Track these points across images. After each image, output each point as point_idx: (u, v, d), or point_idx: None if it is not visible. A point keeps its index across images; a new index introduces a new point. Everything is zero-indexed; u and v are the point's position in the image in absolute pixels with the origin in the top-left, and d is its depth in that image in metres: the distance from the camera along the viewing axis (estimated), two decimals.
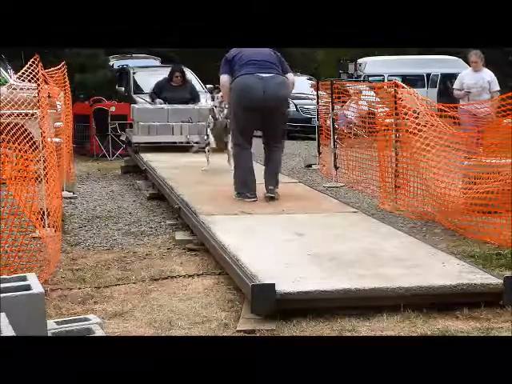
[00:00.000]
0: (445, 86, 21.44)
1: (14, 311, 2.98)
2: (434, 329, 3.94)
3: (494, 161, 6.44)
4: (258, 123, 6.73)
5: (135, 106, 11.79)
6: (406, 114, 7.01)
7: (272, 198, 6.69)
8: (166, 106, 10.69)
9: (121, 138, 12.44)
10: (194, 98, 11.24)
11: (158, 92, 11.12)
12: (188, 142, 10.14)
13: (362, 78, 20.64)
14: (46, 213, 5.59)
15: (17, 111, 6.32)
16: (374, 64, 21.82)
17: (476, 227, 6.12)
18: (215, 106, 8.51)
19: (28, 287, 3.28)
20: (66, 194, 8.02)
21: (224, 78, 6.75)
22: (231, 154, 8.11)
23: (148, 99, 14.75)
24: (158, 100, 11.00)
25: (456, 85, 10.09)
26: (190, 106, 10.86)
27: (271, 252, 5.00)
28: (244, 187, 6.71)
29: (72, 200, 8.11)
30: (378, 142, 8.43)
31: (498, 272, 4.91)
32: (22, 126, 6.00)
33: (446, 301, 4.23)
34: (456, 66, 22.00)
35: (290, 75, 6.84)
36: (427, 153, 6.59)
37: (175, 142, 10.34)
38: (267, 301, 4.04)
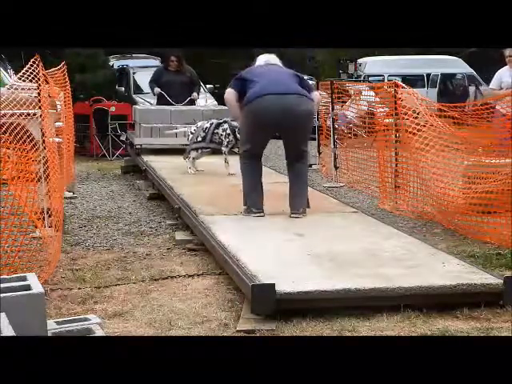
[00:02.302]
0: (445, 85, 21.47)
1: (14, 311, 2.98)
2: (434, 329, 3.94)
3: (493, 161, 6.45)
4: (270, 138, 6.30)
5: (137, 107, 11.59)
6: (405, 114, 7.01)
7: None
8: (169, 108, 10.46)
9: (121, 138, 12.44)
10: (193, 81, 11.01)
11: (157, 78, 10.94)
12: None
13: (362, 78, 20.65)
14: (45, 213, 5.59)
15: (18, 111, 6.32)
16: (373, 64, 21.83)
17: (476, 227, 6.12)
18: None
19: (28, 287, 3.28)
20: (66, 194, 8.02)
21: (229, 94, 6.13)
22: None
23: (148, 99, 14.86)
24: (156, 89, 10.82)
25: (493, 84, 9.70)
26: (194, 107, 10.66)
27: (271, 252, 5.00)
28: (251, 201, 6.20)
29: (72, 200, 8.11)
30: (377, 142, 8.44)
31: (498, 272, 4.91)
32: (24, 126, 6.00)
33: (446, 301, 4.23)
34: (456, 65, 22.06)
35: (315, 94, 6.36)
36: (426, 152, 6.59)
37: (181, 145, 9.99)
38: (267, 301, 4.04)
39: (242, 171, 6.35)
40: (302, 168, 6.31)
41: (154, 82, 11.00)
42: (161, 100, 10.93)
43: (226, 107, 11.20)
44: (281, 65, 6.41)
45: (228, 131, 8.19)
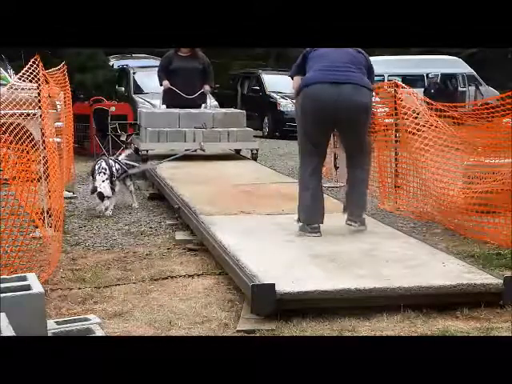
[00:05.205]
0: (445, 85, 21.47)
1: (14, 311, 2.98)
2: (434, 329, 3.94)
3: (493, 161, 6.45)
4: (328, 138, 5.60)
5: (143, 110, 10.89)
6: (405, 114, 7.01)
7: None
8: (177, 111, 9.73)
9: (121, 139, 12.41)
10: (205, 69, 10.14)
11: (167, 64, 10.12)
12: (202, 150, 9.24)
13: None
14: (45, 212, 5.59)
15: (18, 111, 6.33)
16: (373, 64, 21.79)
17: (476, 227, 6.12)
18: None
19: (28, 287, 3.28)
20: (66, 193, 8.01)
21: (296, 82, 5.56)
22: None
23: (148, 99, 14.84)
24: (164, 82, 9.99)
25: None
26: (204, 110, 10.10)
27: (271, 252, 5.00)
28: (305, 217, 5.48)
29: (72, 200, 8.11)
30: (377, 142, 8.43)
31: (497, 272, 4.91)
32: (24, 126, 6.00)
33: (446, 301, 4.23)
34: (456, 66, 22.05)
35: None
36: (426, 152, 6.60)
37: (188, 150, 9.29)
38: (267, 301, 4.04)
39: (299, 179, 5.69)
40: (360, 173, 5.63)
41: (163, 69, 10.13)
42: (168, 93, 10.11)
43: (236, 110, 11.01)
44: None
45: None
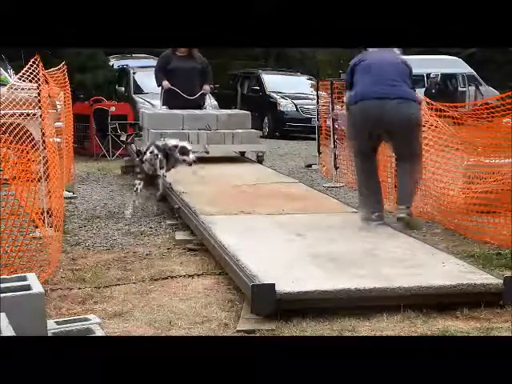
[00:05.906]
0: (445, 85, 21.46)
1: (14, 311, 2.98)
2: (434, 329, 3.94)
3: (493, 161, 6.45)
4: (378, 140, 5.81)
5: (146, 111, 10.59)
6: None
7: (400, 219, 5.70)
8: (180, 112, 9.48)
9: (121, 139, 12.42)
10: (203, 69, 10.01)
11: (164, 64, 9.98)
12: (206, 152, 8.88)
13: None
14: (45, 212, 5.59)
15: (18, 111, 6.33)
16: None
17: (476, 227, 6.12)
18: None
19: (28, 287, 3.28)
20: (66, 193, 8.02)
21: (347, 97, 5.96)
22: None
23: (148, 99, 14.84)
24: (165, 83, 9.82)
25: None
26: (208, 111, 9.90)
27: (271, 252, 5.00)
28: (364, 207, 5.89)
29: (72, 200, 8.11)
30: None
31: (497, 272, 4.91)
32: (24, 126, 6.00)
33: (446, 301, 4.23)
34: (456, 66, 22.04)
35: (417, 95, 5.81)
36: (426, 152, 6.60)
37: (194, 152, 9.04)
38: (267, 301, 4.04)
39: (356, 173, 6.05)
40: (409, 167, 5.74)
41: (161, 69, 9.99)
42: (169, 94, 9.94)
43: (241, 112, 10.86)
44: (394, 51, 5.79)
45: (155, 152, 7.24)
